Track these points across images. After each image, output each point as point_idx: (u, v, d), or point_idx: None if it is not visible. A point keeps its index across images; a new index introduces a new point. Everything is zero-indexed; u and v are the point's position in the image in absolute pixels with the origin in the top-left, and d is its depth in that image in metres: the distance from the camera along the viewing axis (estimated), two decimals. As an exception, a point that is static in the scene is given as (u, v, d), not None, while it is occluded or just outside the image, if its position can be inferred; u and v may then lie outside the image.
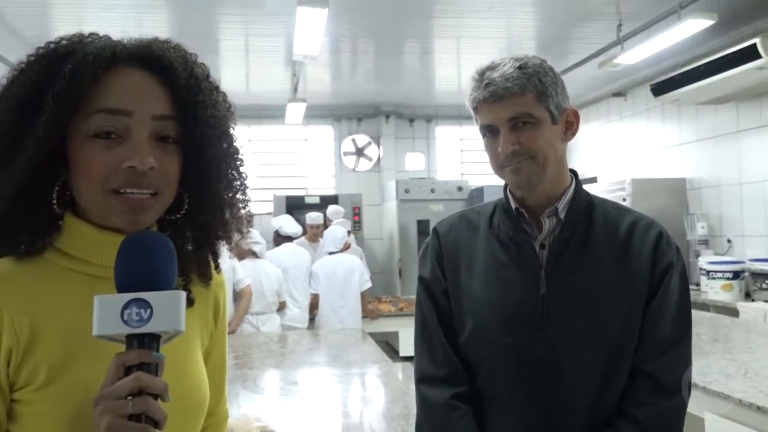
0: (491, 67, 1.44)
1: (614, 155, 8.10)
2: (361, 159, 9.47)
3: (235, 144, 1.08)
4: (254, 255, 5.65)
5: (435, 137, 9.62)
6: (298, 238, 6.56)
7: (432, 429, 1.50)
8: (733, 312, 5.15)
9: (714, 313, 5.15)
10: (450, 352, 1.51)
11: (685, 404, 1.43)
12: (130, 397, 0.81)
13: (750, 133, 5.99)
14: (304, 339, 4.97)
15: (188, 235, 1.09)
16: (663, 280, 1.44)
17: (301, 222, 6.81)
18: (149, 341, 0.85)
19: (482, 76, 1.44)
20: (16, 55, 1.06)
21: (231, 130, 1.07)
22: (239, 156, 1.09)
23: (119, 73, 0.96)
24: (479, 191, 8.08)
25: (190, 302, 1.03)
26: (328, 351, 4.43)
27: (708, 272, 5.68)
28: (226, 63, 6.87)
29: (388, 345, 6.82)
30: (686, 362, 1.45)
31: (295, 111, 7.83)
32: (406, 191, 8.37)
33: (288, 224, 6.47)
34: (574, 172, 1.55)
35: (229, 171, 1.07)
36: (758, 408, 2.36)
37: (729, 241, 6.28)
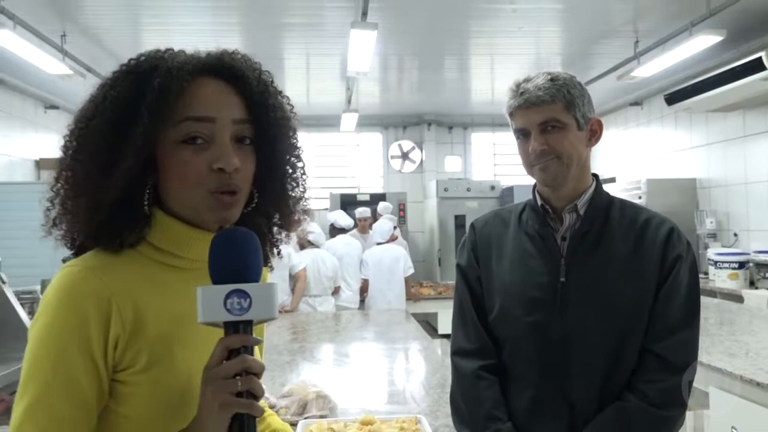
0: (527, 80, 1.45)
1: (631, 158, 7.94)
2: (406, 162, 9.47)
3: (297, 144, 1.06)
4: (313, 245, 5.71)
5: (471, 142, 9.55)
6: (350, 230, 6.60)
7: (463, 395, 1.51)
8: (738, 298, 5.03)
9: (721, 299, 5.04)
10: (481, 329, 1.52)
11: (690, 381, 1.40)
12: (238, 377, 0.82)
13: (756, 137, 5.84)
14: (355, 318, 5.00)
15: (256, 228, 1.05)
16: (672, 270, 1.42)
17: (352, 216, 6.86)
18: (245, 326, 0.85)
19: (518, 87, 1.45)
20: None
21: (295, 131, 1.05)
22: (300, 155, 1.07)
23: (200, 83, 0.95)
24: (509, 190, 8.01)
25: None
26: (376, 328, 4.45)
27: (716, 263, 5.56)
28: (290, 79, 6.96)
29: (428, 324, 6.83)
30: (693, 346, 1.42)
31: (349, 120, 7.87)
32: (445, 190, 8.34)
33: (341, 218, 6.52)
34: (595, 176, 1.55)
35: (294, 169, 1.06)
36: (758, 384, 2.31)
37: (735, 234, 6.13)
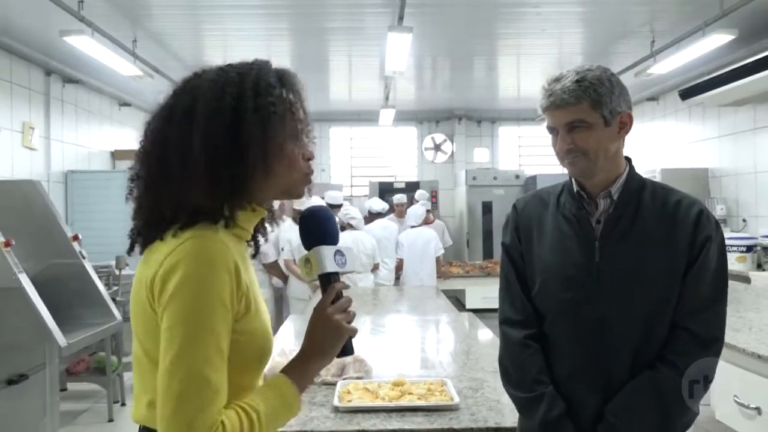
0: (557, 79, 1.40)
1: (648, 149, 7.76)
2: (438, 153, 9.44)
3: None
4: (352, 227, 5.74)
5: (498, 135, 9.42)
6: (386, 214, 6.62)
7: (510, 360, 1.50)
8: (746, 280, 4.90)
9: (730, 280, 4.92)
10: (525, 301, 1.50)
11: (717, 357, 1.38)
12: (350, 309, 1.07)
13: (765, 130, 5.65)
14: (391, 293, 5.05)
15: None
16: (702, 250, 1.37)
17: (390, 202, 6.88)
18: (336, 276, 1.08)
19: (547, 87, 1.41)
20: (176, 74, 1.13)
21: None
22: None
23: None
24: (533, 179, 7.90)
25: None
26: (409, 303, 4.49)
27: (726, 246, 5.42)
28: (334, 78, 7.00)
29: (457, 299, 6.83)
30: (721, 322, 1.40)
31: (387, 115, 7.89)
32: (474, 179, 8.28)
33: (375, 204, 6.55)
34: (628, 159, 1.50)
35: None
36: (759, 356, 2.27)
37: (744, 220, 5.97)
